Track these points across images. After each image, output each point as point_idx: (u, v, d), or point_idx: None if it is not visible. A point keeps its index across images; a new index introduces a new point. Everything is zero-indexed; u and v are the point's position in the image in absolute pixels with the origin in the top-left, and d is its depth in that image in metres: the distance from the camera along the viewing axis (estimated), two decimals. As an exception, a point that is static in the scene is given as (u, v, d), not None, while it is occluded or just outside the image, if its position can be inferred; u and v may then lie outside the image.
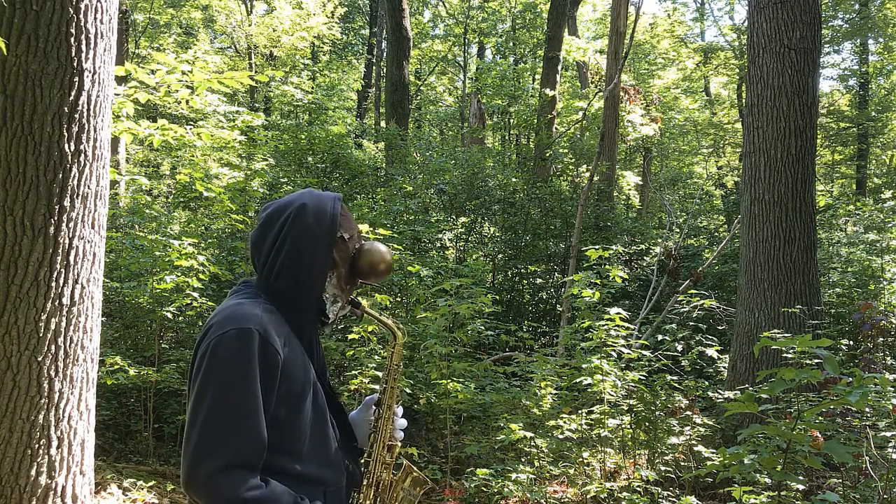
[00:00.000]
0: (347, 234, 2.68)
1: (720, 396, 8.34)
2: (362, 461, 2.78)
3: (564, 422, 7.46)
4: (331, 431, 2.64)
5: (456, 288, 8.42)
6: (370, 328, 8.00)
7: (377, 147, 23.05)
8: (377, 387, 7.27)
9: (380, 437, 2.75)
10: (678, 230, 16.04)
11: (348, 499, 2.70)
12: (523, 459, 7.40)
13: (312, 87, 24.67)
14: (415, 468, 2.83)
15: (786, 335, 5.87)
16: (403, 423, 2.86)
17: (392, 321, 2.87)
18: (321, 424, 2.59)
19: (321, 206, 2.62)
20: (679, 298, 11.46)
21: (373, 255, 2.70)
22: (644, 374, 7.74)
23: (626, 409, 7.51)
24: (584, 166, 19.25)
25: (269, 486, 2.35)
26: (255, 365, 2.35)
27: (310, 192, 2.68)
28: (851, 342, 9.87)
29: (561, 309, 12.68)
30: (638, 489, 6.61)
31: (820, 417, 6.06)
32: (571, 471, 7.42)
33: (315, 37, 26.11)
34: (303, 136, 15.38)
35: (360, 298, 2.82)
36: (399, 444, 2.81)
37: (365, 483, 2.71)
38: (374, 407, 2.82)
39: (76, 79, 4.77)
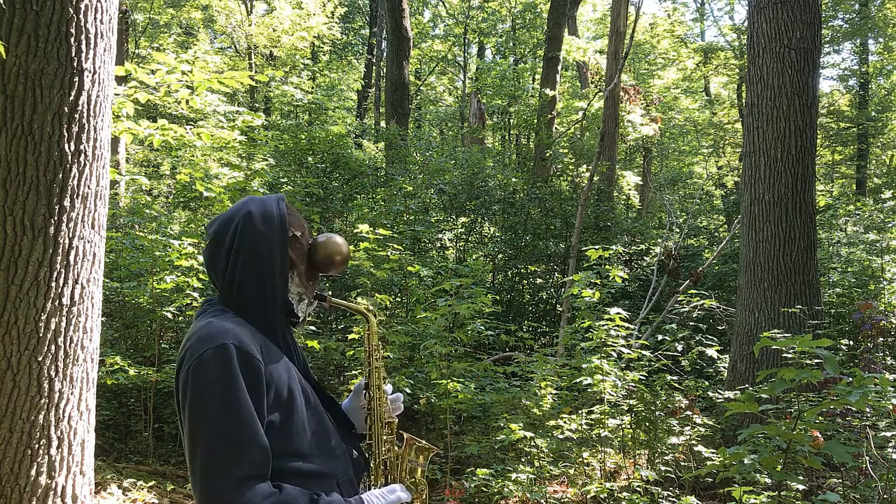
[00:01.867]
0: (299, 232, 2.69)
1: (720, 396, 8.34)
2: (364, 445, 2.81)
3: (564, 422, 7.47)
4: (327, 425, 2.66)
5: (456, 288, 8.42)
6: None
7: (377, 147, 23.05)
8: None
9: (376, 418, 2.78)
10: (678, 230, 16.04)
11: (359, 484, 2.73)
12: (523, 459, 7.40)
13: (312, 87, 24.70)
14: (417, 438, 2.88)
15: (786, 335, 5.86)
16: (399, 396, 2.91)
17: (362, 306, 2.90)
18: (318, 419, 2.61)
19: (267, 210, 2.63)
20: (679, 298, 11.46)
21: (328, 247, 2.73)
22: (644, 374, 7.74)
23: (626, 409, 7.52)
24: (584, 166, 19.25)
25: (284, 491, 2.36)
26: (240, 378, 2.35)
27: (251, 199, 2.68)
28: (851, 342, 9.86)
29: (561, 309, 12.69)
30: (638, 489, 6.61)
31: (820, 417, 6.05)
32: (571, 471, 7.43)
33: (315, 37, 26.13)
34: (303, 136, 15.38)
35: (325, 292, 2.84)
36: (396, 419, 2.85)
37: (373, 464, 2.74)
38: (363, 391, 2.85)
39: (76, 79, 4.77)
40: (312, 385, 2.71)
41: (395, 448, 2.82)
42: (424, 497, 2.88)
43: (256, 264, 2.56)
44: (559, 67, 21.98)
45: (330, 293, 2.88)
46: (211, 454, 2.30)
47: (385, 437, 2.78)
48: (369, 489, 2.70)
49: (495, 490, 6.67)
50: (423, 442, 2.88)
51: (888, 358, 8.70)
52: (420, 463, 2.87)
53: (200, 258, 8.53)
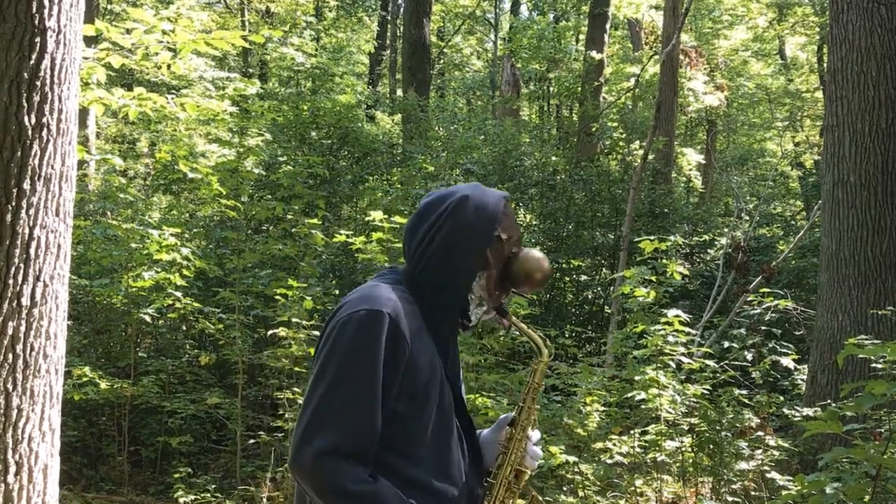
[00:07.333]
0: (506, 235, 2.78)
1: (797, 414, 8.30)
2: (486, 482, 2.83)
3: (614, 444, 7.46)
4: (455, 442, 2.71)
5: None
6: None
7: (393, 120, 23.08)
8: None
9: (508, 460, 2.81)
10: (748, 218, 16.00)
11: None
12: (565, 488, 7.39)
13: (316, 50, 24.68)
14: (542, 500, 2.86)
15: (875, 342, 5.83)
16: (539, 452, 2.92)
17: (540, 336, 2.93)
18: (444, 432, 2.67)
19: (484, 201, 2.76)
20: (749, 298, 11.41)
21: (529, 262, 2.80)
22: (708, 387, 7.72)
23: (686, 428, 7.50)
24: (637, 143, 19.20)
25: (379, 483, 2.45)
26: (382, 349, 2.47)
27: (476, 185, 2.82)
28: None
29: (609, 311, 12.68)
30: (700, 524, 6.60)
31: (916, 439, 6.02)
32: (622, 502, 7.42)
33: (319, -10, 26.17)
34: (305, 107, 15.39)
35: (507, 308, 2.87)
36: (530, 472, 2.86)
37: None
38: (507, 427, 2.89)
39: (37, 39, 4.77)
40: (456, 398, 2.77)
41: (516, 501, 2.85)
42: None
43: (449, 249, 2.69)
44: (607, 26, 21.95)
45: (512, 314, 2.88)
46: (321, 409, 2.46)
47: (509, 484, 2.81)
48: None
49: (532, 524, 6.66)
50: None
51: None
52: None
53: (184, 251, 8.55)
